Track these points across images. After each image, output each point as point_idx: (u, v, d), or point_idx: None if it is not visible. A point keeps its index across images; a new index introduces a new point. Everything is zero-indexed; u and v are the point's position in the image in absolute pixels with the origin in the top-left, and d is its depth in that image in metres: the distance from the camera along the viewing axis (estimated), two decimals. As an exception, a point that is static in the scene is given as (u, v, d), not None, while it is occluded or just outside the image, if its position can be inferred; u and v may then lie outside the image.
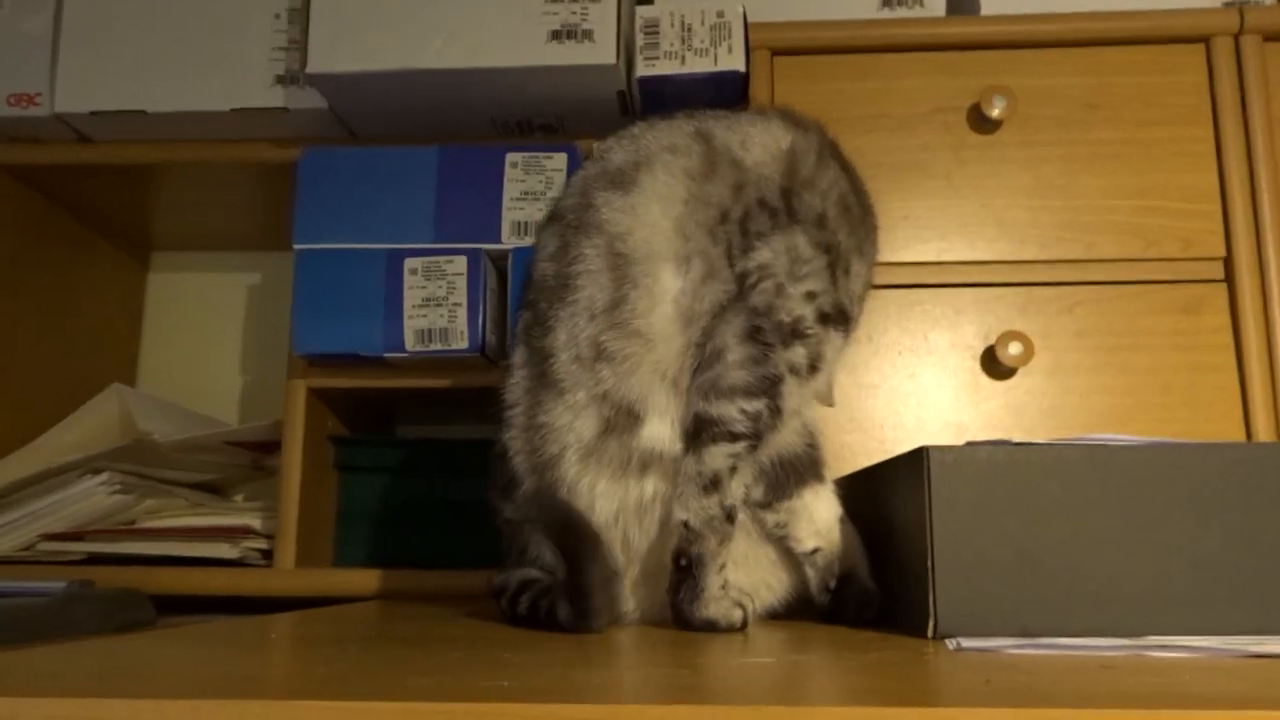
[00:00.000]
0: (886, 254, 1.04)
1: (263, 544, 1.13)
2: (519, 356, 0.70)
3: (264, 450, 1.25)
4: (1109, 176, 1.04)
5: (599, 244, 0.66)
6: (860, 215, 0.74)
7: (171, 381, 1.48)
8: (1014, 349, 0.99)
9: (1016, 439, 0.62)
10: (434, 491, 1.17)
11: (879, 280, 1.03)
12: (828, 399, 0.81)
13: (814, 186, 0.70)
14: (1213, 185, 1.04)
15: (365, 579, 1.07)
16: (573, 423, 0.65)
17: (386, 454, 1.20)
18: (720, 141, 0.70)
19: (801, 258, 0.68)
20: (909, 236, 1.05)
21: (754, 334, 0.65)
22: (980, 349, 1.02)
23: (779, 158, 0.70)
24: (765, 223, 0.68)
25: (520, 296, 0.74)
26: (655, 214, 0.67)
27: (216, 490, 1.28)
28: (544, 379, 0.67)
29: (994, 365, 1.01)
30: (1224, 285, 1.02)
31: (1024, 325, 1.02)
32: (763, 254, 0.67)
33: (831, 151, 0.74)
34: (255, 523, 1.13)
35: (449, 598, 1.04)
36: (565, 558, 0.62)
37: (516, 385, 0.69)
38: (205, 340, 1.49)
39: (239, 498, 1.36)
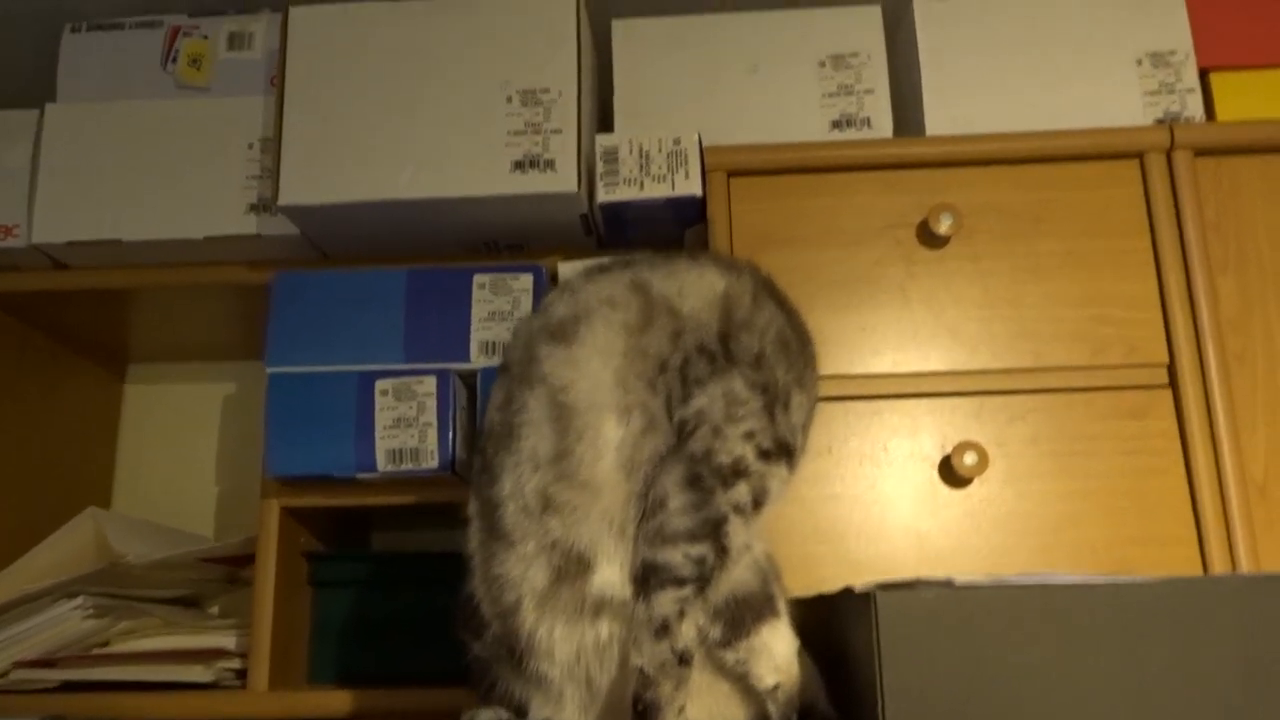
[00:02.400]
0: (845, 366, 1.08)
1: (236, 664, 1.14)
2: (472, 507, 0.73)
3: (238, 564, 1.26)
4: (1054, 287, 1.08)
5: (541, 395, 0.69)
6: (799, 347, 0.77)
7: (147, 493, 1.49)
8: (969, 459, 1.02)
9: (960, 579, 0.65)
10: (408, 605, 1.19)
11: (840, 392, 1.07)
12: None
13: (751, 327, 0.73)
14: (1153, 293, 1.08)
15: (339, 700, 1.07)
16: (525, 573, 0.67)
17: (360, 568, 1.21)
18: (657, 291, 0.73)
19: (738, 400, 0.70)
20: (866, 349, 1.08)
21: (693, 481, 0.67)
22: (938, 458, 1.05)
23: (714, 304, 0.73)
24: (704, 368, 0.71)
25: (471, 441, 0.77)
26: (596, 367, 0.70)
27: (192, 603, 1.29)
28: (494, 531, 0.69)
29: (951, 474, 1.04)
30: (1168, 390, 1.06)
31: (978, 433, 1.05)
32: (700, 400, 0.70)
33: (767, 290, 0.78)
34: (229, 643, 1.14)
35: (423, 716, 1.05)
36: None
37: (472, 537, 0.72)
38: (181, 451, 1.50)
39: (214, 609, 1.36)
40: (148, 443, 1.51)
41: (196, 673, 1.11)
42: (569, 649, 0.67)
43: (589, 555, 0.67)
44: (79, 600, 1.11)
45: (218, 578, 1.26)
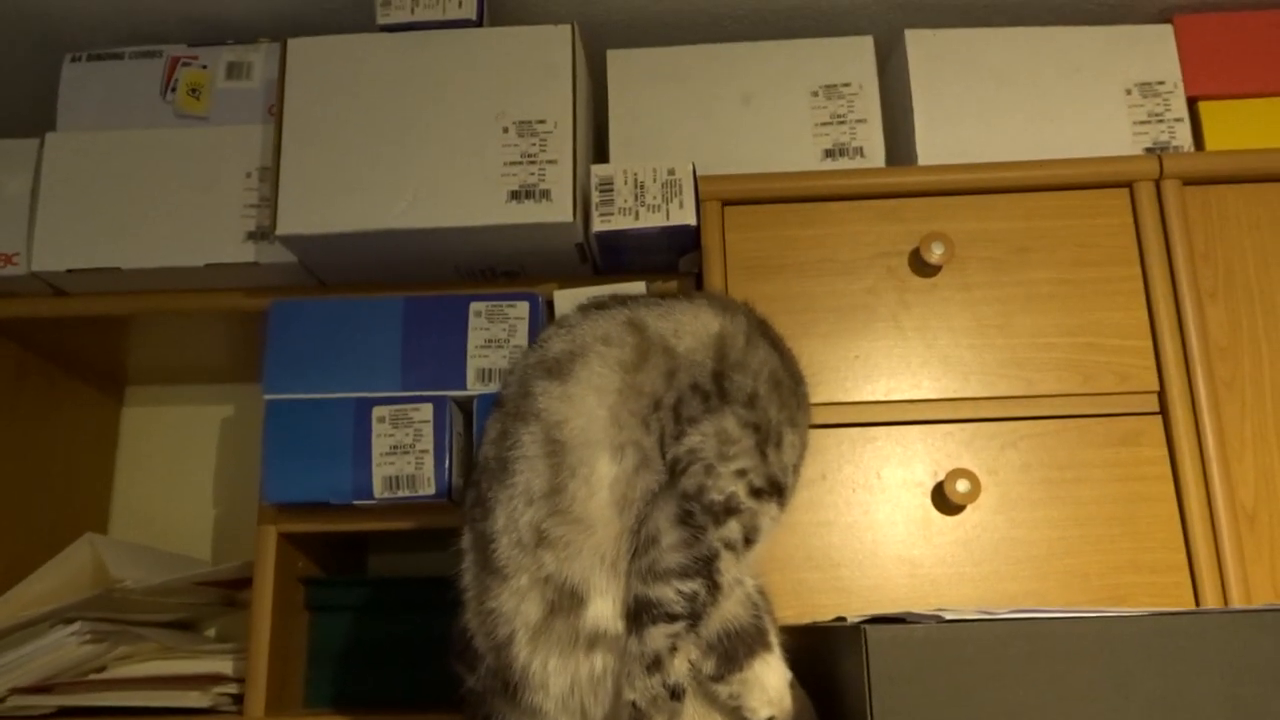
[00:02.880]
0: (839, 394, 1.09)
1: (234, 689, 1.14)
2: (466, 540, 0.74)
3: (235, 586, 1.26)
4: (1045, 315, 1.10)
5: (535, 431, 0.70)
6: (791, 386, 0.78)
7: (145, 516, 1.49)
8: (961, 486, 1.03)
9: (949, 613, 0.66)
10: (404, 629, 1.19)
11: (833, 420, 1.08)
12: None
13: (745, 367, 0.75)
14: (1143, 321, 1.09)
15: (335, 726, 1.08)
16: (519, 606, 0.68)
17: (356, 593, 1.22)
18: (653, 331, 0.74)
19: (731, 439, 0.72)
20: (859, 376, 1.09)
21: (685, 518, 0.68)
22: (930, 485, 1.06)
23: (708, 344, 0.75)
24: (698, 407, 0.72)
25: (466, 474, 0.77)
26: (591, 404, 0.71)
27: (188, 627, 1.29)
28: (487, 565, 0.70)
29: (944, 501, 1.04)
30: (1159, 417, 1.07)
31: (970, 461, 1.06)
32: (693, 439, 0.71)
33: (761, 330, 0.79)
34: (226, 668, 1.14)
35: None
36: None
37: (466, 570, 0.73)
38: (179, 473, 1.50)
39: (210, 632, 1.37)
40: (145, 465, 1.51)
41: (193, 698, 1.12)
42: (563, 682, 0.68)
43: (582, 590, 0.68)
44: (76, 626, 1.12)
45: (214, 601, 1.27)
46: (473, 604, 0.72)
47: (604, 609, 0.68)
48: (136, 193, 1.17)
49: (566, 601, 0.68)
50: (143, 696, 1.12)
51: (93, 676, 1.13)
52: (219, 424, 1.53)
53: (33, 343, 1.31)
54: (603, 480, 0.69)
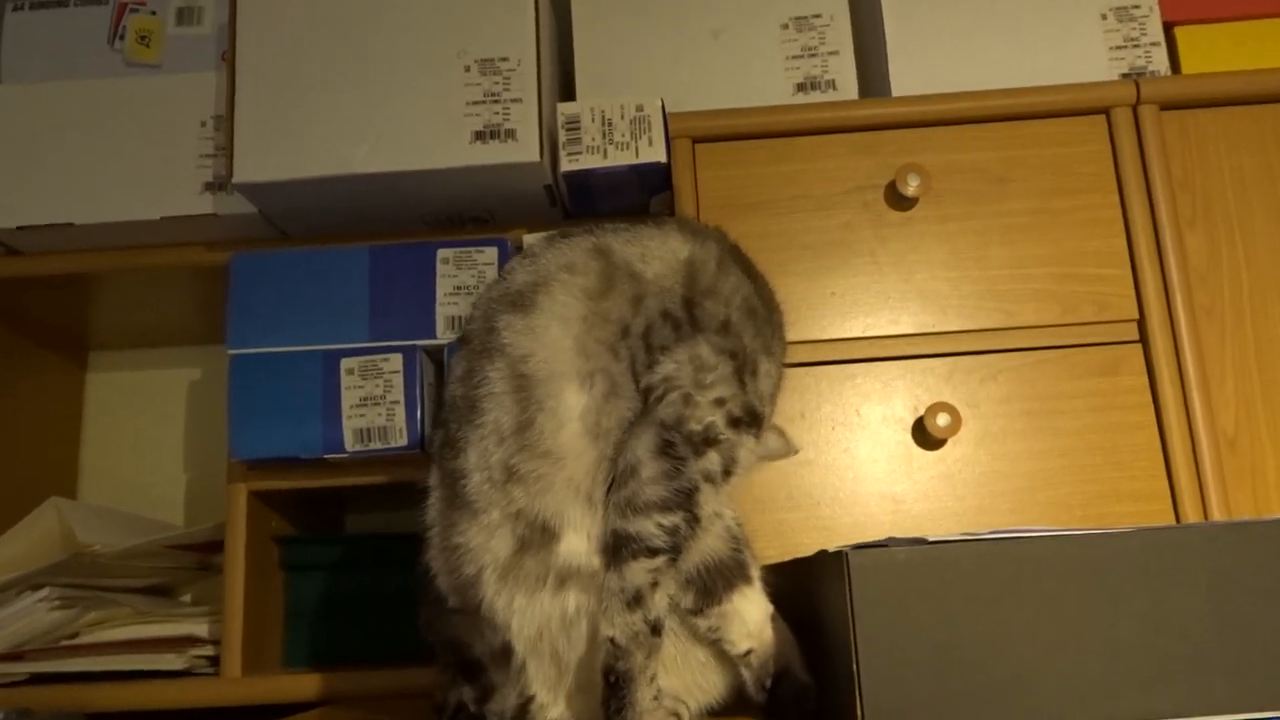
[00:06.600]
0: (816, 331, 1.07)
1: (210, 651, 1.12)
2: (433, 477, 0.71)
3: (208, 550, 1.24)
4: (1024, 246, 1.08)
5: (501, 367, 0.68)
6: (766, 315, 0.76)
7: (114, 482, 1.46)
8: (942, 420, 1.01)
9: (933, 537, 0.64)
10: (380, 586, 1.17)
11: (811, 357, 1.06)
12: (788, 450, 0.82)
13: (716, 294, 0.72)
14: (1122, 249, 1.08)
15: (313, 684, 1.06)
16: (487, 542, 0.66)
17: (330, 551, 1.20)
18: (619, 256, 0.72)
19: (706, 366, 0.69)
20: (836, 313, 1.07)
21: (665, 448, 0.66)
22: (910, 420, 1.05)
23: (678, 269, 0.72)
24: (668, 335, 0.70)
25: (434, 415, 0.75)
26: (555, 334, 0.68)
27: (163, 592, 1.27)
28: (456, 500, 0.68)
29: (925, 436, 1.03)
30: (1139, 345, 1.06)
31: (950, 395, 1.05)
32: (667, 366, 0.69)
33: (733, 256, 0.76)
34: (201, 630, 1.12)
35: (397, 697, 1.04)
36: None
37: (432, 506, 0.71)
38: (147, 438, 1.47)
39: (186, 598, 1.34)
40: (113, 432, 1.48)
41: (168, 661, 1.10)
42: (530, 624, 0.66)
43: (554, 524, 0.66)
44: (45, 592, 1.09)
45: (189, 566, 1.24)
46: (437, 541, 0.69)
47: (577, 544, 0.66)
48: (87, 146, 1.14)
49: (538, 537, 0.66)
50: (117, 661, 1.10)
51: (65, 642, 1.11)
52: (186, 387, 1.49)
53: (-9, 307, 1.28)
54: (571, 411, 0.67)
